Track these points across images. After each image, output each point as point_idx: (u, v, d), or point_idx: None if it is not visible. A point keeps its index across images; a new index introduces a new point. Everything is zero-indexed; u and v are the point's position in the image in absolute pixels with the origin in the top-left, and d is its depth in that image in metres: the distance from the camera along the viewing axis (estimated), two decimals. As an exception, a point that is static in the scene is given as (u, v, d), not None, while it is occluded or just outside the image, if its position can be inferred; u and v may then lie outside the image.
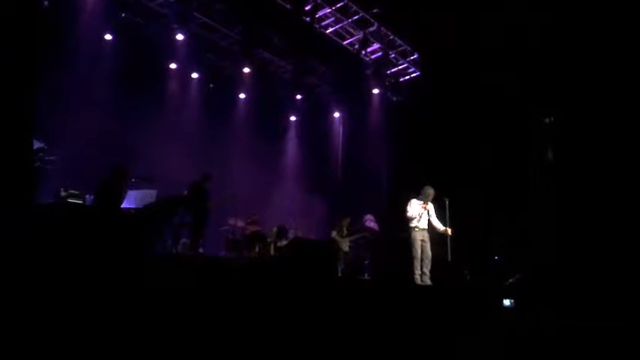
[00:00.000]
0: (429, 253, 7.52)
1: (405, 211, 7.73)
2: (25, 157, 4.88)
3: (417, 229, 7.61)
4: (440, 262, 7.66)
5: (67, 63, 8.73)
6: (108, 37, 9.98)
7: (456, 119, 10.40)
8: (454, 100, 10.46)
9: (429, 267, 7.44)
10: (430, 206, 7.75)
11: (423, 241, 7.55)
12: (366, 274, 9.77)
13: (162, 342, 2.93)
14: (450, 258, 7.72)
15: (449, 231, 7.63)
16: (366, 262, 10.12)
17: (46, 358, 2.62)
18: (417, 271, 7.37)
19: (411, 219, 7.63)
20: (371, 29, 10.92)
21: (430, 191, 7.76)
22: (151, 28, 10.26)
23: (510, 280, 5.71)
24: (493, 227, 9.44)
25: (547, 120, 9.40)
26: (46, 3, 8.20)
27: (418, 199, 7.75)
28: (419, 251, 7.46)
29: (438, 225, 7.72)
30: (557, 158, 9.22)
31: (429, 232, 7.67)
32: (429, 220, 7.72)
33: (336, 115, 13.54)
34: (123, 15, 9.98)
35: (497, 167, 9.77)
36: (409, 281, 7.36)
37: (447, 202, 7.79)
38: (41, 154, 6.77)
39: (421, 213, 7.62)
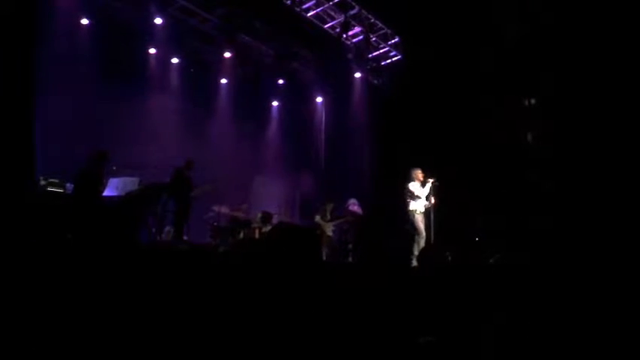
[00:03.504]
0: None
1: (408, 195, 7.89)
2: (27, 146, 4.87)
3: (418, 213, 7.81)
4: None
5: (44, 49, 8.53)
6: (84, 21, 9.77)
7: (437, 102, 10.46)
8: (435, 82, 10.50)
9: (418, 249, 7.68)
10: (427, 186, 7.95)
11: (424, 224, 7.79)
12: (350, 258, 9.87)
13: (146, 329, 2.95)
14: (432, 239, 7.89)
15: (433, 200, 7.87)
16: (350, 246, 10.22)
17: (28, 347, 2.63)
18: (416, 253, 7.59)
19: (417, 198, 7.84)
20: (352, 12, 10.86)
21: (417, 172, 7.97)
22: (129, 13, 10.06)
23: (491, 261, 5.85)
24: (475, 209, 9.57)
25: (526, 102, 9.50)
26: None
27: (414, 182, 7.94)
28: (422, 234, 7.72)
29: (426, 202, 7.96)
30: (538, 141, 9.34)
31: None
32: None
33: (319, 99, 13.50)
34: (99, -1, 9.78)
35: (480, 149, 9.88)
36: (393, 264, 7.49)
37: (431, 184, 7.96)
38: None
39: (425, 190, 7.85)
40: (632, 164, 7.79)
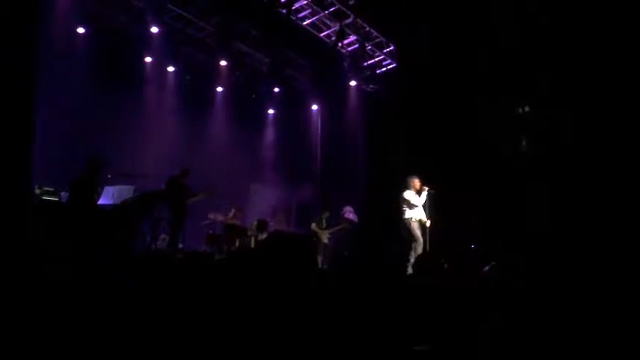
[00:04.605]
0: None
1: (404, 203, 7.89)
2: (24, 154, 4.85)
3: (414, 220, 7.82)
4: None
5: (40, 57, 8.52)
6: (81, 30, 9.80)
7: (432, 109, 10.50)
8: (430, 90, 10.54)
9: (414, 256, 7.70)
10: (423, 195, 7.96)
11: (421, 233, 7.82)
12: (346, 266, 9.85)
13: (141, 338, 2.95)
14: (428, 248, 7.90)
15: (428, 223, 7.85)
16: (346, 253, 10.21)
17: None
18: (412, 260, 7.59)
19: (413, 206, 7.83)
20: (347, 21, 10.91)
21: (414, 180, 7.99)
22: (125, 22, 10.10)
23: (486, 268, 5.87)
24: (471, 217, 9.59)
25: (520, 110, 9.55)
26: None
27: (410, 191, 7.95)
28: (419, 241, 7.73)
29: (423, 215, 7.96)
30: (533, 149, 9.37)
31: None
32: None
33: (314, 107, 13.54)
34: (96, 8, 9.79)
35: (474, 157, 9.90)
36: (389, 271, 7.48)
37: (427, 193, 7.97)
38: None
39: (422, 199, 7.88)
40: (631, 166, 7.83)
